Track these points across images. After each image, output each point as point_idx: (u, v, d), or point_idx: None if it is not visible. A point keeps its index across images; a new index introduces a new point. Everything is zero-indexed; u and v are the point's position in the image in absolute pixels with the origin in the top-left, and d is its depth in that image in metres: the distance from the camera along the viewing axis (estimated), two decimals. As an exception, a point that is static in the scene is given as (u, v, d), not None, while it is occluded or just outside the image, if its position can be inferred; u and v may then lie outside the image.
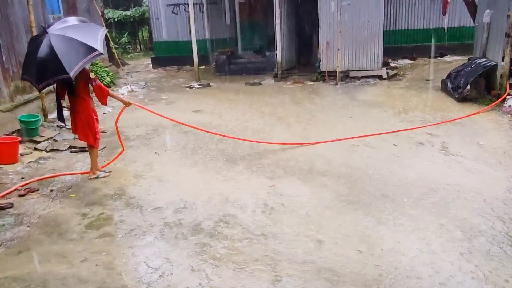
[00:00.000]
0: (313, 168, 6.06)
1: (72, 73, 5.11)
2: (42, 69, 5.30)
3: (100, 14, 14.25)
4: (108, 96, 5.86)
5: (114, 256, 4.07)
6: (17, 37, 8.84)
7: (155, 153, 7.03)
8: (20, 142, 6.98)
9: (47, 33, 5.34)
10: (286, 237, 4.25)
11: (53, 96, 9.86)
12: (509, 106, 8.25)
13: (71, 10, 11.69)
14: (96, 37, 5.41)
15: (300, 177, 5.75)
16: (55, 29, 5.43)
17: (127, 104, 6.08)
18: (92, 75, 5.74)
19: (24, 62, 5.60)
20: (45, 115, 8.78)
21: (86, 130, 5.80)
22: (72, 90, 5.64)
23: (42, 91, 7.30)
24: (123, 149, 6.58)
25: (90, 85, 5.71)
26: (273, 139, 7.42)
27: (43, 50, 5.21)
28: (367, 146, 6.89)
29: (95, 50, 5.27)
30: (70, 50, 5.23)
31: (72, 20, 5.83)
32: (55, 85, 6.02)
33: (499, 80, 8.93)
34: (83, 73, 5.51)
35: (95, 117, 5.85)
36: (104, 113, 9.55)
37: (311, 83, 12.99)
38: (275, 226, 4.48)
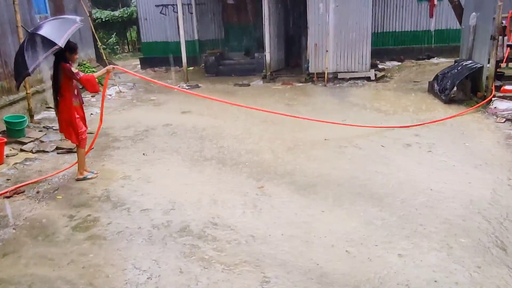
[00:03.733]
0: (302, 169, 6.08)
1: (31, 69, 5.24)
2: (16, 67, 5.52)
3: (88, 14, 14.14)
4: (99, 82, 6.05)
5: (102, 258, 4.03)
6: (2, 37, 8.72)
7: (143, 154, 6.99)
8: (6, 143, 6.89)
9: (28, 31, 5.59)
10: (275, 238, 4.26)
11: (39, 97, 9.80)
12: (495, 108, 8.36)
13: (58, 10, 11.57)
14: (65, 31, 5.49)
15: (289, 178, 5.76)
16: (34, 28, 5.69)
17: (110, 69, 6.10)
18: (74, 69, 5.68)
19: (15, 68, 5.68)
20: (31, 116, 8.69)
21: (69, 129, 5.78)
22: (57, 88, 5.64)
23: (28, 91, 7.23)
24: (101, 123, 6.50)
25: (75, 80, 5.67)
26: (262, 138, 7.42)
27: (27, 44, 5.38)
28: (355, 147, 6.93)
29: (55, 44, 5.27)
30: (36, 47, 5.35)
31: (58, 17, 6.13)
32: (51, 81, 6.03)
33: (485, 82, 9.04)
34: (65, 68, 5.53)
35: (77, 116, 5.78)
36: (91, 114, 9.47)
37: (300, 84, 13.03)
38: (264, 228, 4.48)
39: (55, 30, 5.49)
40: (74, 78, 5.63)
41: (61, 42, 5.28)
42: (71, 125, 5.75)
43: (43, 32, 5.41)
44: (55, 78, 5.63)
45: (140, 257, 4.02)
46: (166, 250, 4.13)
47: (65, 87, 5.65)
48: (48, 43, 5.29)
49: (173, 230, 4.48)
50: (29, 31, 5.57)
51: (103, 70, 6.09)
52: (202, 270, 3.77)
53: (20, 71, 5.47)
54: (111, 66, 6.14)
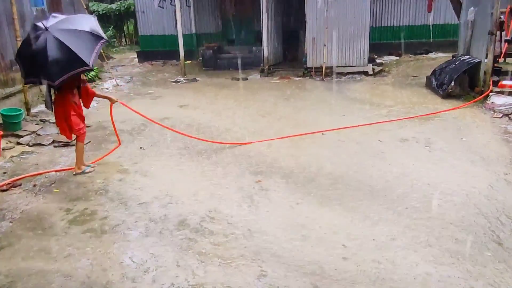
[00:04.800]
0: (299, 163, 6.08)
1: (57, 83, 5.17)
2: (32, 65, 5.28)
3: (85, 7, 14.04)
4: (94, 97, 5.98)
5: (99, 251, 4.03)
6: (-2, 30, 8.67)
7: (141, 148, 6.97)
8: (2, 136, 6.85)
9: (47, 29, 5.23)
10: (272, 232, 4.26)
11: (36, 90, 9.74)
12: (492, 103, 8.37)
13: (54, 2, 11.47)
14: (92, 49, 5.34)
15: (286, 173, 5.77)
16: (56, 29, 5.29)
17: (113, 101, 6.13)
18: (83, 76, 5.72)
19: (25, 64, 5.45)
20: (28, 109, 8.65)
21: (63, 124, 5.76)
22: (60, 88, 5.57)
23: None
24: (120, 143, 6.59)
25: (80, 85, 5.72)
26: (260, 134, 7.41)
27: (39, 47, 5.14)
28: (352, 142, 6.93)
29: (86, 64, 5.21)
30: (62, 58, 5.18)
31: (79, 23, 5.58)
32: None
33: (483, 77, 9.05)
34: (76, 77, 5.53)
35: (73, 113, 5.74)
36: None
37: (298, 78, 13.01)
38: (261, 221, 4.49)
39: (84, 46, 5.27)
40: (79, 83, 5.67)
41: (90, 63, 5.24)
42: (65, 120, 5.72)
43: (71, 44, 5.16)
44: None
45: (137, 251, 4.02)
46: (163, 243, 4.13)
47: (68, 85, 5.60)
48: (77, 60, 5.16)
49: (170, 224, 4.48)
50: (48, 29, 5.21)
51: (106, 95, 6.13)
52: (199, 264, 3.78)
53: (37, 72, 5.24)
54: (115, 99, 6.15)
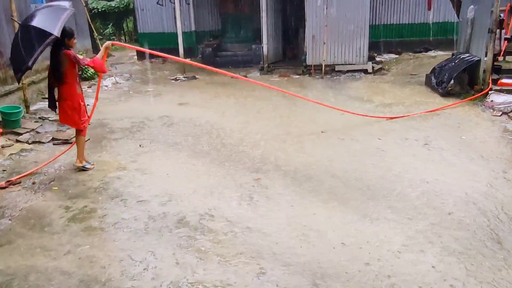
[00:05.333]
0: (298, 161, 6.08)
1: (30, 63, 5.21)
2: (15, 61, 5.45)
3: (84, 4, 14.03)
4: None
5: (98, 249, 4.03)
6: (-3, 27, 8.66)
7: (140, 145, 6.97)
8: (1, 134, 6.85)
9: (19, 23, 5.60)
10: (271, 230, 4.27)
11: (35, 87, 9.75)
12: (492, 101, 8.37)
13: (54, -1, 11.44)
14: (57, 20, 5.40)
15: (285, 170, 5.77)
16: (25, 19, 5.65)
17: (108, 46, 5.99)
18: (79, 56, 5.68)
19: (13, 62, 5.63)
20: (27, 107, 8.64)
21: (74, 115, 5.73)
22: (60, 76, 5.57)
23: (24, 82, 7.19)
24: (90, 117, 6.38)
25: (80, 66, 5.72)
26: (259, 131, 7.41)
27: (22, 36, 5.34)
28: (352, 140, 6.93)
29: (51, 34, 5.22)
30: (30, 39, 5.28)
31: (48, 5, 5.90)
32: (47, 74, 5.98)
33: (482, 75, 9.05)
34: (70, 55, 5.47)
35: (82, 103, 5.78)
36: (87, 104, 9.38)
37: (297, 76, 13.00)
38: (260, 219, 4.49)
39: (48, 20, 5.39)
40: (81, 64, 5.61)
41: (56, 31, 5.22)
42: (75, 111, 5.71)
43: (35, 23, 5.30)
44: (56, 67, 5.55)
45: (137, 248, 4.02)
46: (162, 241, 4.13)
47: (69, 75, 5.60)
48: (43, 34, 5.21)
49: (170, 222, 4.48)
50: (19, 23, 5.51)
51: (102, 48, 5.94)
52: (198, 262, 3.78)
53: (19, 65, 5.38)
54: (109, 42, 6.06)
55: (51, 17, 5.47)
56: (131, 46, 6.55)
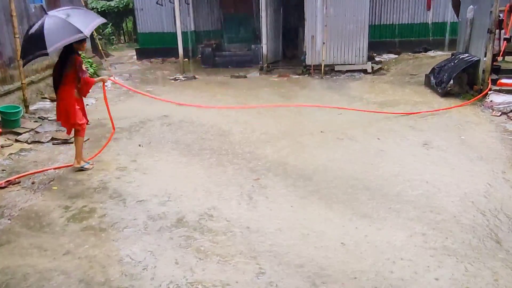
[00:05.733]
0: (298, 161, 6.08)
1: (51, 49, 5.19)
2: (28, 46, 5.45)
3: (83, 4, 14.00)
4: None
5: (97, 249, 4.03)
6: (-3, 27, 8.65)
7: (139, 145, 6.97)
8: (1, 133, 6.85)
9: (46, 13, 5.48)
10: (270, 230, 4.27)
11: (34, 87, 9.74)
12: (491, 101, 8.38)
13: (53, -1, 11.44)
14: (89, 23, 5.48)
15: (285, 170, 5.77)
16: (54, 11, 5.60)
17: (105, 80, 6.18)
18: (84, 67, 5.72)
19: (25, 48, 5.61)
20: (26, 107, 8.63)
21: (67, 116, 5.77)
22: (61, 77, 5.61)
23: (24, 81, 7.19)
24: (114, 129, 6.50)
25: (80, 75, 5.67)
26: (258, 131, 7.41)
27: (34, 28, 5.36)
28: (351, 139, 6.93)
29: (81, 32, 5.28)
30: (57, 29, 5.29)
31: (77, 8, 6.00)
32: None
33: (482, 75, 9.05)
34: (76, 61, 5.53)
35: (77, 107, 5.78)
36: (87, 104, 9.39)
37: (297, 76, 13.00)
38: (259, 219, 4.49)
39: (82, 20, 5.45)
40: (81, 74, 5.63)
41: (86, 32, 5.32)
42: (68, 113, 5.73)
43: (68, 17, 5.36)
44: (61, 67, 5.58)
45: (136, 248, 4.02)
46: (161, 241, 4.13)
47: (70, 78, 5.63)
48: (73, 29, 5.27)
49: (169, 222, 4.48)
50: (47, 12, 5.52)
51: (99, 79, 6.10)
52: (197, 262, 3.78)
53: (33, 49, 5.34)
54: (107, 77, 6.16)
55: (85, 18, 5.56)
56: (126, 86, 6.57)
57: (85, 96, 6.03)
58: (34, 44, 5.31)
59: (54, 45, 5.21)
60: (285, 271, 3.62)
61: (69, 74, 5.60)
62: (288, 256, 3.83)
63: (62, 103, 5.73)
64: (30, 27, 5.53)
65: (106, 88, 10.21)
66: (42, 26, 5.25)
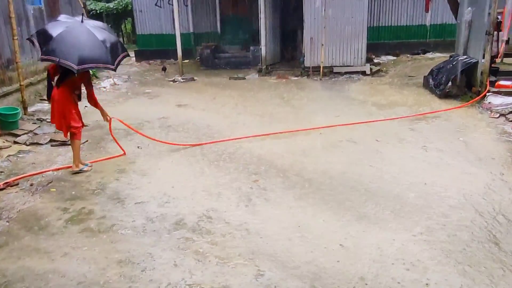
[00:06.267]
0: (296, 163, 6.08)
1: (115, 66, 5.46)
2: (86, 52, 5.31)
3: (82, 6, 14.01)
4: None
5: (96, 251, 4.02)
6: (-5, 28, 8.64)
7: (138, 147, 6.96)
8: (-1, 135, 6.85)
9: (82, 22, 5.56)
10: (269, 232, 4.26)
11: (33, 89, 9.73)
12: (489, 103, 8.39)
13: (52, 1, 11.45)
14: (117, 55, 5.64)
15: (283, 172, 5.77)
16: (92, 25, 5.63)
17: (107, 119, 6.22)
18: (92, 83, 5.87)
19: (47, 43, 5.35)
20: (25, 108, 8.62)
21: (61, 119, 5.75)
22: (62, 79, 5.61)
23: (22, 83, 7.18)
24: (124, 153, 6.54)
25: (87, 87, 5.81)
26: (257, 133, 7.41)
27: (88, 37, 5.38)
28: (349, 141, 6.93)
29: (112, 64, 5.44)
30: (96, 49, 5.37)
31: (107, 30, 5.93)
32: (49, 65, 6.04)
33: (480, 77, 9.07)
34: (87, 73, 5.67)
35: (73, 111, 5.76)
36: (86, 106, 9.37)
37: (295, 78, 13.01)
38: (258, 221, 4.49)
39: (114, 49, 5.55)
40: (89, 87, 5.79)
41: (114, 66, 5.48)
42: (63, 116, 5.72)
43: (105, 42, 5.42)
44: (63, 73, 5.55)
45: (134, 250, 4.01)
46: (160, 243, 4.13)
47: (71, 83, 5.64)
48: (105, 56, 5.36)
49: (168, 223, 4.48)
50: (83, 21, 5.59)
51: (105, 112, 6.16)
52: (196, 263, 3.77)
53: (62, 54, 5.21)
54: (111, 117, 6.24)
55: (116, 49, 5.62)
56: (131, 127, 6.68)
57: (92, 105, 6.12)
58: (65, 48, 5.22)
59: (84, 65, 5.22)
60: (284, 273, 3.62)
61: (69, 80, 5.60)
62: (287, 258, 3.82)
63: (57, 104, 5.71)
64: (61, 23, 5.49)
65: (105, 89, 10.19)
66: (82, 34, 5.32)
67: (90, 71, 5.73)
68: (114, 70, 5.58)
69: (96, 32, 5.44)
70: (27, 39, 5.86)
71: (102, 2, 22.80)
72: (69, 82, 5.61)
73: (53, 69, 5.74)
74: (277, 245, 4.03)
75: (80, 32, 5.38)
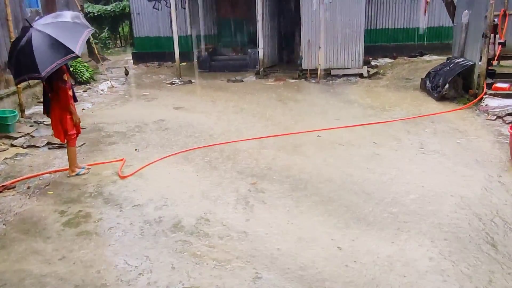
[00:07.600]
0: (295, 166, 6.08)
1: (44, 73, 5.06)
2: (19, 63, 5.28)
3: (79, 8, 14.01)
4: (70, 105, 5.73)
5: (93, 254, 4.01)
6: (-8, 31, 8.63)
7: (136, 150, 6.95)
8: (-4, 138, 6.83)
9: (31, 26, 5.28)
10: (267, 235, 4.26)
11: (30, 91, 9.73)
12: (486, 105, 8.42)
13: (49, 3, 11.45)
14: (78, 38, 5.33)
15: (281, 175, 5.77)
16: (39, 24, 5.36)
17: (76, 120, 5.82)
18: (66, 77, 5.59)
19: (15, 65, 5.43)
20: (22, 111, 8.61)
21: (59, 127, 5.72)
22: (51, 87, 5.58)
23: (19, 86, 7.16)
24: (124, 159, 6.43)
25: (60, 84, 5.56)
26: (255, 135, 7.41)
27: (23, 44, 5.20)
28: (347, 144, 6.94)
29: (72, 52, 5.18)
30: (47, 49, 5.16)
31: (63, 16, 5.67)
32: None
33: (477, 79, 9.10)
34: (60, 72, 5.41)
35: (69, 116, 5.72)
36: (83, 109, 9.40)
37: (293, 80, 13.03)
38: (256, 224, 4.48)
39: (69, 35, 5.30)
40: (62, 83, 5.54)
41: (77, 50, 5.22)
42: (61, 123, 5.69)
43: (56, 35, 5.19)
44: (48, 77, 5.45)
45: (132, 253, 4.00)
46: (158, 246, 4.12)
47: (60, 87, 5.55)
48: (63, 48, 5.15)
49: (165, 226, 4.47)
50: (32, 25, 5.29)
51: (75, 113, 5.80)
52: (194, 266, 3.77)
53: (24, 70, 5.20)
54: (79, 120, 5.86)
55: (73, 32, 5.39)
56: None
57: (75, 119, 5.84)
58: (24, 64, 5.17)
59: (47, 69, 5.07)
60: (281, 275, 3.61)
61: (55, 83, 5.54)
62: (284, 261, 3.82)
63: (53, 112, 5.67)
64: (17, 40, 5.37)
65: (102, 92, 10.21)
66: (30, 43, 5.10)
67: (67, 67, 5.55)
68: (78, 55, 5.29)
69: (47, 30, 5.23)
70: (7, 67, 5.69)
71: (100, 5, 22.79)
72: (59, 87, 5.55)
73: (45, 82, 5.65)
74: (275, 248, 4.02)
75: (31, 40, 5.16)
